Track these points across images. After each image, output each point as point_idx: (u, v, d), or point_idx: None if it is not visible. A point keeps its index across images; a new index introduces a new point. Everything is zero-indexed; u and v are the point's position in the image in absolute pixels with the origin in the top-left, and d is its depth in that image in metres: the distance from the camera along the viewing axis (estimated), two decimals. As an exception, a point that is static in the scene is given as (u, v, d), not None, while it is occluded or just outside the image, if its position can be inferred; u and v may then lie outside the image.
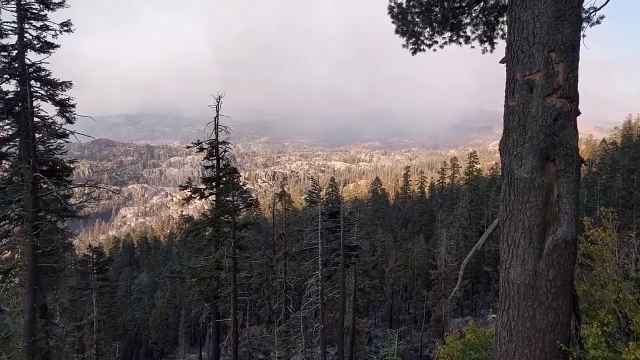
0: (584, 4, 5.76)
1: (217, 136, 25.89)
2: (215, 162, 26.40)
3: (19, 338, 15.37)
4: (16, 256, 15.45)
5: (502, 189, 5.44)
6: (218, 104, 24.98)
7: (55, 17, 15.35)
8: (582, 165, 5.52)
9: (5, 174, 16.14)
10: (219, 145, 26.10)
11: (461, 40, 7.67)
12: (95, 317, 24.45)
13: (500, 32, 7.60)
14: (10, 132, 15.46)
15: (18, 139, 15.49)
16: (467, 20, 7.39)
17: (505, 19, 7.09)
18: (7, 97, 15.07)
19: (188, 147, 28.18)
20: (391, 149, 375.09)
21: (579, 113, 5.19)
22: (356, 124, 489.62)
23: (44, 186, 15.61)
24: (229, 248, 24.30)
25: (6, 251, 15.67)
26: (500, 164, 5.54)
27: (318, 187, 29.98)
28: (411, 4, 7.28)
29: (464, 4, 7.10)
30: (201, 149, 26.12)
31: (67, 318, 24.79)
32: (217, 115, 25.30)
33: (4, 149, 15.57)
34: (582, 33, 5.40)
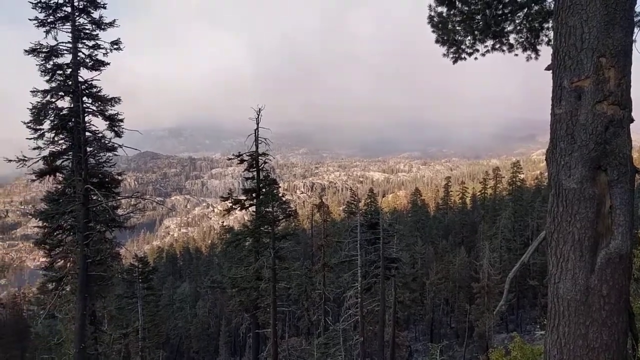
0: (636, 7, 5.53)
1: (257, 148, 26.33)
2: (255, 173, 26.81)
3: (70, 344, 16.01)
4: (68, 265, 16.18)
5: (549, 199, 5.26)
6: (258, 117, 25.45)
7: (106, 36, 16.22)
8: (637, 174, 5.26)
9: (59, 186, 16.97)
10: (259, 157, 26.51)
11: (504, 48, 7.52)
12: (141, 325, 25.15)
13: (545, 39, 7.40)
14: (64, 146, 16.30)
15: (71, 153, 16.30)
16: (510, 28, 7.25)
17: (550, 24, 6.91)
18: (62, 113, 15.93)
19: (229, 159, 28.76)
20: (431, 159, 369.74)
21: (632, 120, 4.96)
22: (395, 134, 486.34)
23: (94, 198, 16.31)
24: (269, 258, 24.51)
25: (59, 260, 16.44)
26: (547, 174, 5.36)
27: (357, 198, 29.90)
28: (452, 12, 7.21)
29: (506, 11, 6.97)
30: (242, 161, 26.61)
31: (114, 325, 25.60)
32: (257, 128, 25.76)
33: (58, 162, 16.42)
34: (633, 37, 5.18)
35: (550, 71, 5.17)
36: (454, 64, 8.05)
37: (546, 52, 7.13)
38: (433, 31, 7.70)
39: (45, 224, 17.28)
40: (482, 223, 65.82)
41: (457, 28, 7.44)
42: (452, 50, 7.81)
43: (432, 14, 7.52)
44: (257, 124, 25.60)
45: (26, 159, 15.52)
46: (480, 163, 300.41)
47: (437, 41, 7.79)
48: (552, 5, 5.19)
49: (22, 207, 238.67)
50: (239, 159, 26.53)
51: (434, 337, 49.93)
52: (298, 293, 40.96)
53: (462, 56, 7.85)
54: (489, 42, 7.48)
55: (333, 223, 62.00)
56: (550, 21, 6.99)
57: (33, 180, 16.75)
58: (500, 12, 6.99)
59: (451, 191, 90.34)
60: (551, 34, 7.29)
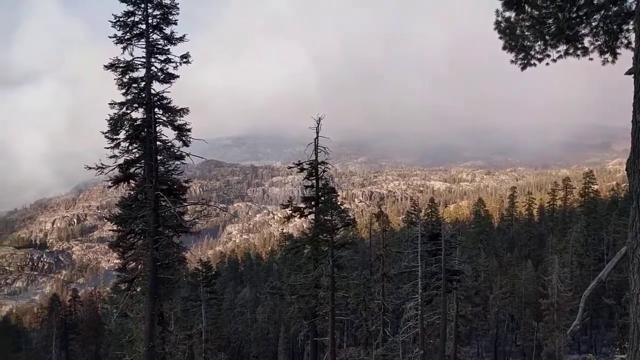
0: None
1: (316, 157, 26.58)
2: (314, 181, 27.05)
3: (140, 342, 16.88)
4: (139, 267, 17.12)
5: (630, 213, 4.91)
6: (318, 126, 25.69)
7: (176, 51, 17.19)
8: None
9: (132, 192, 18.04)
10: (319, 166, 26.74)
11: (578, 52, 7.14)
12: (204, 328, 26.04)
13: (625, 41, 6.95)
14: (137, 155, 17.33)
15: (143, 161, 17.30)
16: (586, 31, 6.86)
17: (631, 26, 6.48)
18: (135, 123, 16.98)
19: (289, 168, 29.25)
20: (495, 168, 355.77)
21: None
22: (457, 142, 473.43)
23: (164, 204, 17.16)
24: (327, 267, 24.58)
25: (131, 262, 17.43)
26: (628, 186, 5.00)
27: (417, 207, 29.36)
28: (521, 17, 6.96)
29: (581, 14, 6.62)
30: (301, 169, 26.96)
31: (179, 327, 26.68)
32: (317, 137, 26.01)
33: (132, 170, 17.48)
34: None
35: (631, 75, 4.85)
36: (522, 70, 7.76)
37: (626, 56, 6.68)
38: (500, 37, 7.46)
39: (119, 227, 18.41)
40: (550, 236, 62.33)
41: (527, 33, 7.16)
42: (520, 56, 7.53)
43: (500, 19, 7.30)
44: (317, 132, 25.85)
45: (104, 166, 16.67)
46: (548, 173, 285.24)
47: (504, 47, 7.54)
48: (633, 6, 4.87)
49: (99, 211, 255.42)
50: (298, 167, 26.89)
51: (498, 354, 47.74)
52: (356, 302, 40.67)
53: (532, 62, 7.55)
54: (562, 47, 7.14)
55: (392, 233, 61.22)
56: (631, 23, 6.55)
57: (109, 187, 17.93)
58: (574, 15, 6.65)
59: (517, 202, 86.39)
60: (631, 36, 6.84)
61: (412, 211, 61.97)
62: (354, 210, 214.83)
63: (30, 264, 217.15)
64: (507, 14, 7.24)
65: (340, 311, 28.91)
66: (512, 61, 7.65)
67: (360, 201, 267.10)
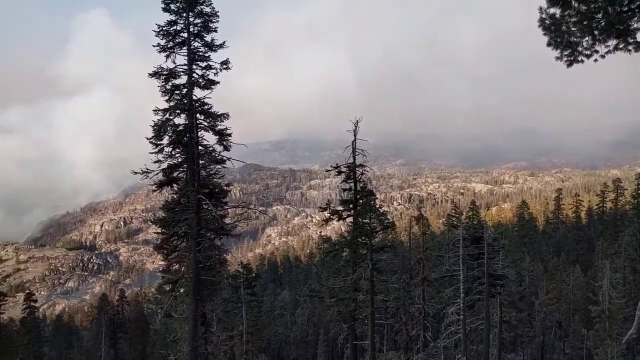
0: None
1: (354, 159, 26.51)
2: (352, 184, 26.97)
3: (183, 342, 17.32)
4: (183, 268, 17.59)
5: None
6: (356, 128, 25.63)
7: (216, 57, 17.64)
8: None
9: (175, 196, 18.57)
10: (357, 168, 26.65)
11: (630, 47, 6.81)
12: (245, 329, 26.43)
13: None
14: (180, 160, 17.85)
15: (186, 165, 17.80)
16: (638, 25, 6.54)
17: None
18: (178, 129, 17.49)
19: (327, 171, 29.32)
20: (539, 169, 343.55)
21: None
22: (499, 143, 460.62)
23: (206, 207, 17.58)
24: (366, 270, 24.44)
25: (175, 263, 17.93)
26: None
27: (459, 210, 28.76)
28: (567, 13, 6.71)
29: (633, 7, 6.31)
30: (339, 172, 26.94)
31: (221, 328, 27.16)
32: (355, 139, 25.94)
33: (175, 174, 18.00)
34: None
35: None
36: (568, 67, 7.49)
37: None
38: (545, 34, 7.23)
39: (163, 230, 18.98)
40: (600, 240, 59.56)
41: (573, 29, 6.90)
42: (566, 53, 7.27)
43: (544, 16, 7.07)
44: (355, 135, 25.79)
45: (149, 171, 17.24)
46: (596, 174, 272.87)
47: (549, 44, 7.30)
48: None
49: (144, 214, 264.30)
50: (336, 170, 26.90)
51: (545, 362, 45.99)
52: (396, 306, 40.23)
53: (579, 59, 7.27)
54: (611, 42, 6.84)
55: (432, 236, 60.18)
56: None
57: (154, 190, 18.53)
58: (625, 8, 6.36)
59: (563, 204, 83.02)
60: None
61: (453, 214, 60.72)
62: (393, 213, 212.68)
63: (81, 264, 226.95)
64: (551, 10, 7.01)
65: (379, 315, 28.65)
66: (557, 58, 7.39)
67: (399, 204, 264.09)
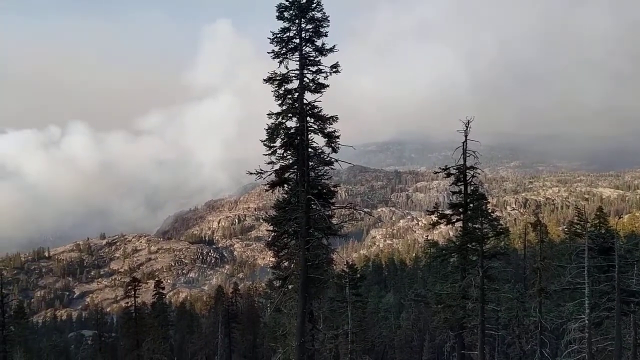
0: None
1: (464, 161, 25.45)
2: (462, 187, 25.93)
3: (292, 337, 18.05)
4: (292, 266, 18.33)
5: None
6: (467, 129, 24.59)
7: (326, 61, 18.21)
8: None
9: (286, 196, 19.42)
10: (467, 171, 25.56)
11: None
12: (350, 329, 26.71)
13: None
14: (290, 161, 18.64)
15: (296, 167, 18.54)
16: None
17: None
18: (290, 131, 18.28)
19: (435, 173, 28.68)
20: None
21: None
22: (633, 144, 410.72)
23: (314, 207, 18.15)
24: (477, 277, 23.33)
25: (285, 261, 18.77)
26: None
27: (583, 217, 26.24)
28: None
29: None
30: (448, 175, 26.03)
31: (326, 326, 27.79)
32: (466, 140, 24.89)
33: (286, 175, 18.85)
34: None
35: None
36: None
37: None
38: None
39: (274, 228, 19.95)
40: None
41: None
42: None
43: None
44: (466, 136, 24.75)
45: (263, 171, 18.27)
46: None
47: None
48: None
49: (256, 212, 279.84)
50: (445, 172, 26.02)
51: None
52: (508, 318, 37.82)
53: None
54: None
55: (551, 244, 55.57)
56: None
57: (266, 190, 19.59)
58: None
59: None
60: None
61: (577, 221, 55.50)
62: (506, 218, 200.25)
63: (200, 257, 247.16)
64: None
65: (490, 325, 27.20)
66: None
67: (513, 209, 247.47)
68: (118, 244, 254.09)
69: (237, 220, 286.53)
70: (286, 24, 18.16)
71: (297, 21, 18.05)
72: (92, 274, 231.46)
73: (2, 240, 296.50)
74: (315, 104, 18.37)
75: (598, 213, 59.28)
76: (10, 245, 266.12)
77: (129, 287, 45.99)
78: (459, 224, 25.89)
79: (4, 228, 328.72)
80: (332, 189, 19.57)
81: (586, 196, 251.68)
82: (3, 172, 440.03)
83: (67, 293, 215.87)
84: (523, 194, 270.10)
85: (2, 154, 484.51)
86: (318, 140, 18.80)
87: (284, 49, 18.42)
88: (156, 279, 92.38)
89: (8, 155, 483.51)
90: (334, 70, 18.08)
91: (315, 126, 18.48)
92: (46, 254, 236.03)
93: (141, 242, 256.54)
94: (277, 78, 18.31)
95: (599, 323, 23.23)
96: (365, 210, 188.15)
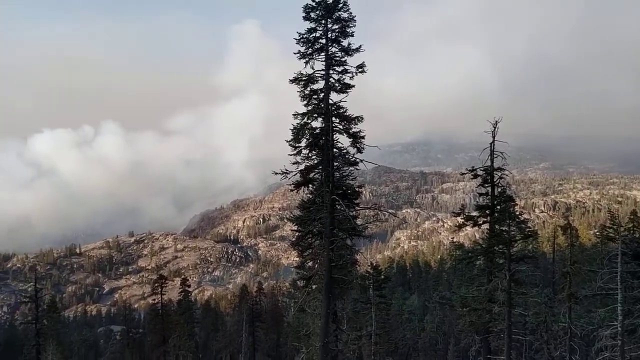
0: None
1: (492, 162, 25.00)
2: (489, 189, 25.48)
3: (315, 337, 18.09)
4: (316, 266, 18.37)
5: None
6: (495, 129, 24.15)
7: (352, 61, 18.20)
8: None
9: (311, 196, 19.47)
10: (494, 172, 25.12)
11: None
12: (374, 330, 26.62)
13: None
14: (315, 161, 18.67)
15: (321, 167, 18.56)
16: None
17: None
18: (315, 132, 18.32)
19: (462, 174, 28.16)
20: None
21: None
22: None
23: (339, 207, 18.14)
24: (503, 281, 22.91)
25: (309, 261, 18.81)
26: None
27: (617, 220, 25.48)
28: None
29: None
30: (475, 176, 25.61)
31: (350, 327, 27.76)
32: (494, 141, 24.45)
33: (310, 175, 18.88)
34: None
35: None
36: None
37: None
38: None
39: (298, 228, 20.03)
40: None
41: None
42: None
43: None
44: (493, 137, 24.31)
45: (288, 171, 18.36)
46: None
47: None
48: None
49: (281, 212, 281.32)
50: (472, 173, 25.60)
51: None
52: (536, 323, 37.02)
53: None
54: None
55: (581, 248, 54.08)
56: None
57: (291, 190, 19.67)
58: None
59: None
60: None
61: (609, 224, 53.86)
62: (534, 221, 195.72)
63: (225, 256, 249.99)
64: None
65: (517, 330, 26.67)
66: None
67: (542, 211, 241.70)
68: (146, 241, 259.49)
69: (262, 220, 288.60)
70: (312, 25, 18.21)
71: (323, 21, 18.07)
72: (121, 270, 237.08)
73: (36, 236, 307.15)
74: (341, 104, 18.36)
75: (632, 217, 57.27)
76: (44, 241, 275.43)
77: (156, 285, 46.97)
78: (485, 226, 25.47)
79: (39, 225, 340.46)
80: (357, 189, 19.53)
81: (619, 199, 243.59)
82: (39, 171, 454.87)
83: (97, 289, 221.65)
84: (552, 196, 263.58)
85: (39, 153, 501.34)
86: (343, 141, 18.79)
87: (310, 49, 18.47)
88: (182, 276, 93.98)
89: (44, 154, 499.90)
90: (360, 70, 18.04)
91: (341, 126, 18.46)
92: (78, 251, 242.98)
93: (168, 240, 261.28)
94: (303, 78, 18.38)
95: (632, 330, 22.49)
96: (389, 211, 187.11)
